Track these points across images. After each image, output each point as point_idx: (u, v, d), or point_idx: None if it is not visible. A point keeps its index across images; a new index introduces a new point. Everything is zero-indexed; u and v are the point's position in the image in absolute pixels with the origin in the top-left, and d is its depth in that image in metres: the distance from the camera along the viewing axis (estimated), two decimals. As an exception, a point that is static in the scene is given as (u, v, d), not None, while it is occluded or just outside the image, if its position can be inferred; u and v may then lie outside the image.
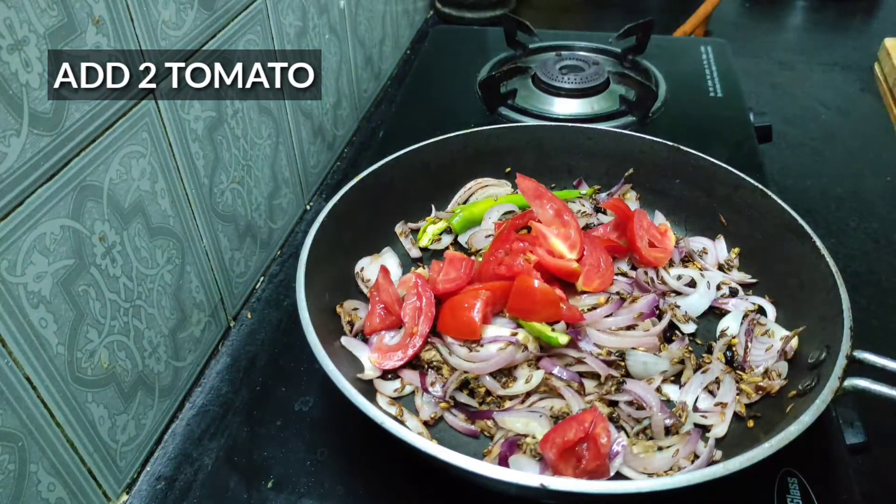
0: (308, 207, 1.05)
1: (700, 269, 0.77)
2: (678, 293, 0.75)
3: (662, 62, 1.20)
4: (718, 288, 0.75)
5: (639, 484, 0.49)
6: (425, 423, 0.64)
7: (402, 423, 0.63)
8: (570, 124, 0.92)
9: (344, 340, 0.69)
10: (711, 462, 0.58)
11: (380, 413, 0.52)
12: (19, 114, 0.50)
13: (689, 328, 0.72)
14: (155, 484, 0.70)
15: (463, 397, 0.65)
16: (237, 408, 0.76)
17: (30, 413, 0.54)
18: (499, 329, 0.67)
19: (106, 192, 0.60)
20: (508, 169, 0.90)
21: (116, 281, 0.63)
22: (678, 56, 1.25)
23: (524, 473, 0.48)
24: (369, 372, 0.67)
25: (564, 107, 1.08)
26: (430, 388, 0.65)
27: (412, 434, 0.51)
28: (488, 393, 0.65)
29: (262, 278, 0.93)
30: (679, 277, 0.76)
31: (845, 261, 0.97)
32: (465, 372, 0.65)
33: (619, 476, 0.58)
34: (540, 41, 1.24)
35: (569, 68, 1.13)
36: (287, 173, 0.96)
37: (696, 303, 0.74)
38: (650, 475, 0.58)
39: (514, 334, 0.66)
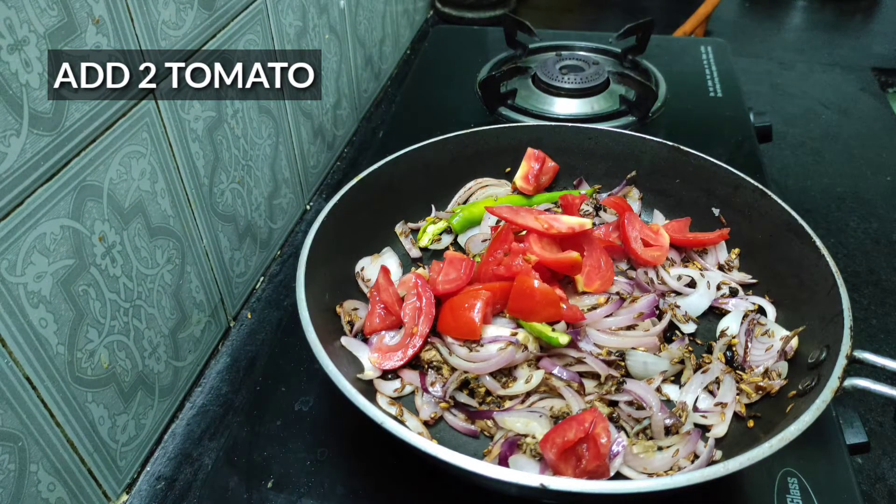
0: (308, 207, 1.05)
1: (700, 269, 0.77)
2: (678, 293, 0.75)
3: (662, 62, 1.20)
4: (718, 288, 0.75)
5: (639, 484, 0.49)
6: (425, 423, 0.64)
7: (402, 423, 0.63)
8: (570, 124, 0.92)
9: (344, 340, 0.69)
10: (711, 462, 0.58)
11: (380, 413, 0.52)
12: (19, 114, 0.50)
13: (689, 328, 0.72)
14: (155, 484, 0.70)
15: (463, 397, 0.65)
16: (237, 408, 0.76)
17: (30, 413, 0.54)
18: (499, 329, 0.67)
19: (106, 192, 0.60)
20: (508, 169, 0.90)
21: (116, 281, 0.63)
22: (678, 56, 1.25)
23: (524, 473, 0.48)
24: (369, 372, 0.67)
25: (564, 107, 1.08)
26: (430, 388, 0.65)
27: (412, 434, 0.51)
28: (488, 393, 0.65)
29: (262, 278, 0.93)
30: (679, 277, 0.76)
31: (845, 261, 0.97)
32: (465, 372, 0.65)
33: (619, 476, 0.58)
34: (540, 41, 1.24)
35: (569, 68, 1.13)
36: (287, 173, 0.96)
37: (696, 303, 0.74)
38: (650, 475, 0.58)
39: (514, 334, 0.66)
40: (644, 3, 1.74)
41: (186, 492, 0.69)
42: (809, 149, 1.20)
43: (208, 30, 0.73)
